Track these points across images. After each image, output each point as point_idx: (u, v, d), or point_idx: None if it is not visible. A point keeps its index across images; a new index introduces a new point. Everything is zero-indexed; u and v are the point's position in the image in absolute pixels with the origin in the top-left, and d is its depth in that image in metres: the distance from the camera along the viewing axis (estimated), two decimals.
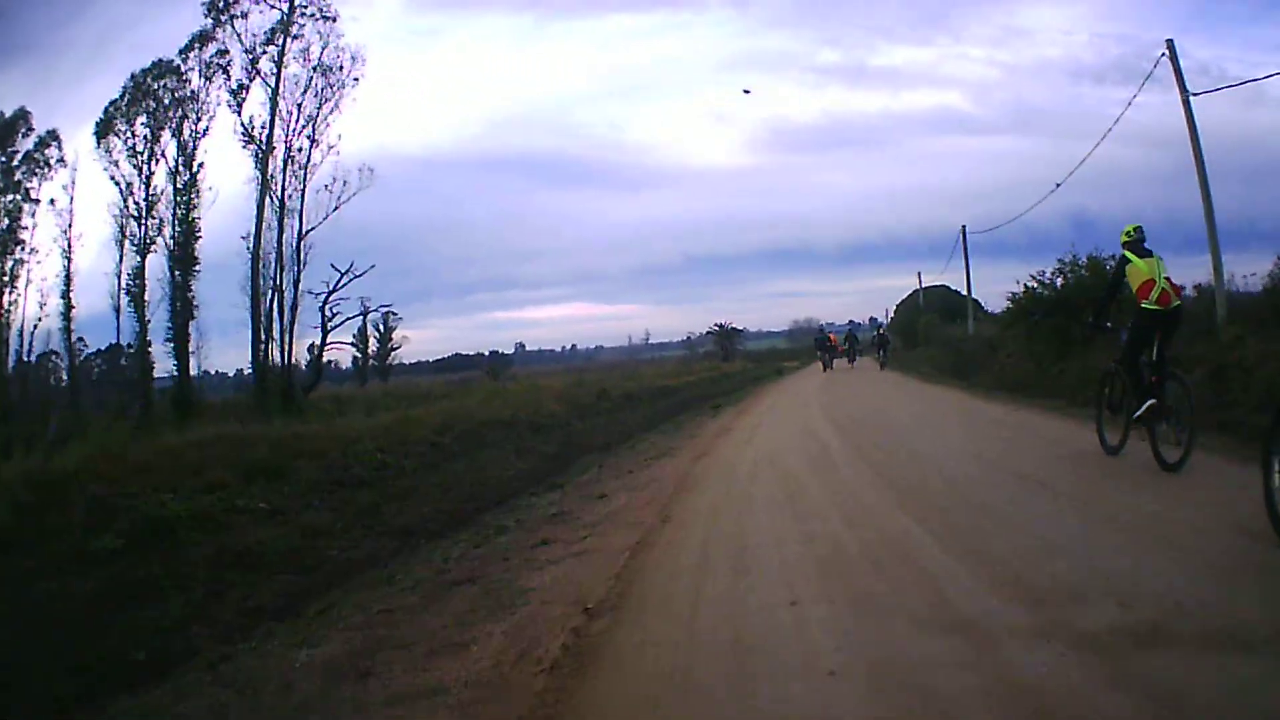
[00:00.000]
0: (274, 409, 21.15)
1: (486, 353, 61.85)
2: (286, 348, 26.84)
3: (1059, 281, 14.71)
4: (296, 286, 25.86)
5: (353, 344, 45.48)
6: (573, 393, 20.24)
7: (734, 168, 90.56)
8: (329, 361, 47.60)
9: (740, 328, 67.62)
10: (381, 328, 48.10)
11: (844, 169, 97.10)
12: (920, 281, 45.44)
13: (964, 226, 28.71)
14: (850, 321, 61.45)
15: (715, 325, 67.61)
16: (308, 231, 25.60)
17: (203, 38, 24.98)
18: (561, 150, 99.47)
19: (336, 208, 25.41)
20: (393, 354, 48.02)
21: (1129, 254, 6.44)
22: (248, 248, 25.63)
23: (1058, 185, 19.16)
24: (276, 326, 26.09)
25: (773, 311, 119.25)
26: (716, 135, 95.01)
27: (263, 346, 26.04)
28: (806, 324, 68.00)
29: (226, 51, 25.15)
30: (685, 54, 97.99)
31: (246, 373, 28.48)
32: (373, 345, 46.75)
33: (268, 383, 25.64)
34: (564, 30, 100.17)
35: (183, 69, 25.21)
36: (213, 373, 30.75)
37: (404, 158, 79.72)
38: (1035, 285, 15.12)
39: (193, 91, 25.23)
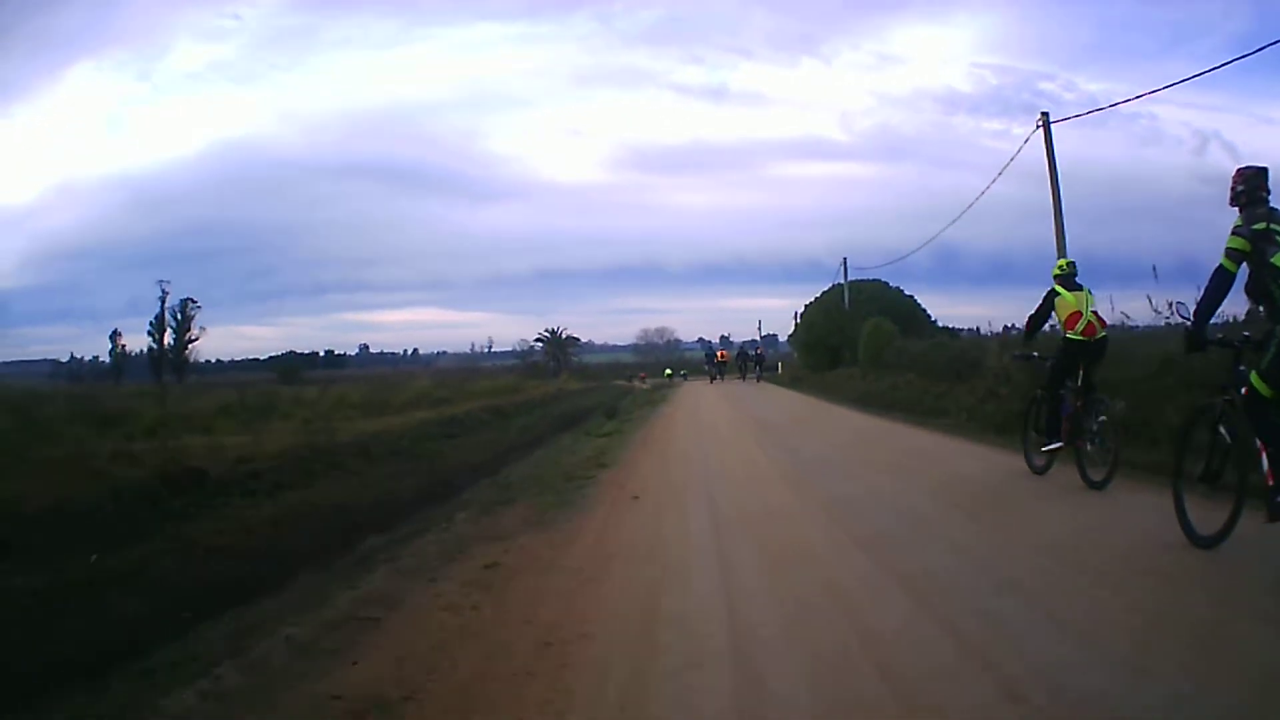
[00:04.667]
0: None
1: (322, 352, 60.91)
2: None
3: None
4: None
5: (149, 333, 40.30)
6: None
7: (587, 183, 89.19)
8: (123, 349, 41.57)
9: (578, 338, 61.36)
10: (179, 317, 42.22)
11: (700, 190, 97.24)
12: (845, 274, 31.84)
13: (1045, 113, 15.14)
14: (722, 337, 60.87)
15: (545, 331, 59.69)
16: None
17: None
18: (419, 158, 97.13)
19: None
20: (190, 347, 42.20)
21: (1058, 287, 6.56)
22: None
23: None
24: None
25: (619, 327, 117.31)
26: (572, 150, 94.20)
27: None
28: (657, 335, 64.50)
29: None
30: (546, 66, 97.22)
31: None
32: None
33: None
34: (428, 36, 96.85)
35: None
36: None
37: (269, 159, 79.46)
38: None
39: None
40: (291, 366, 48.83)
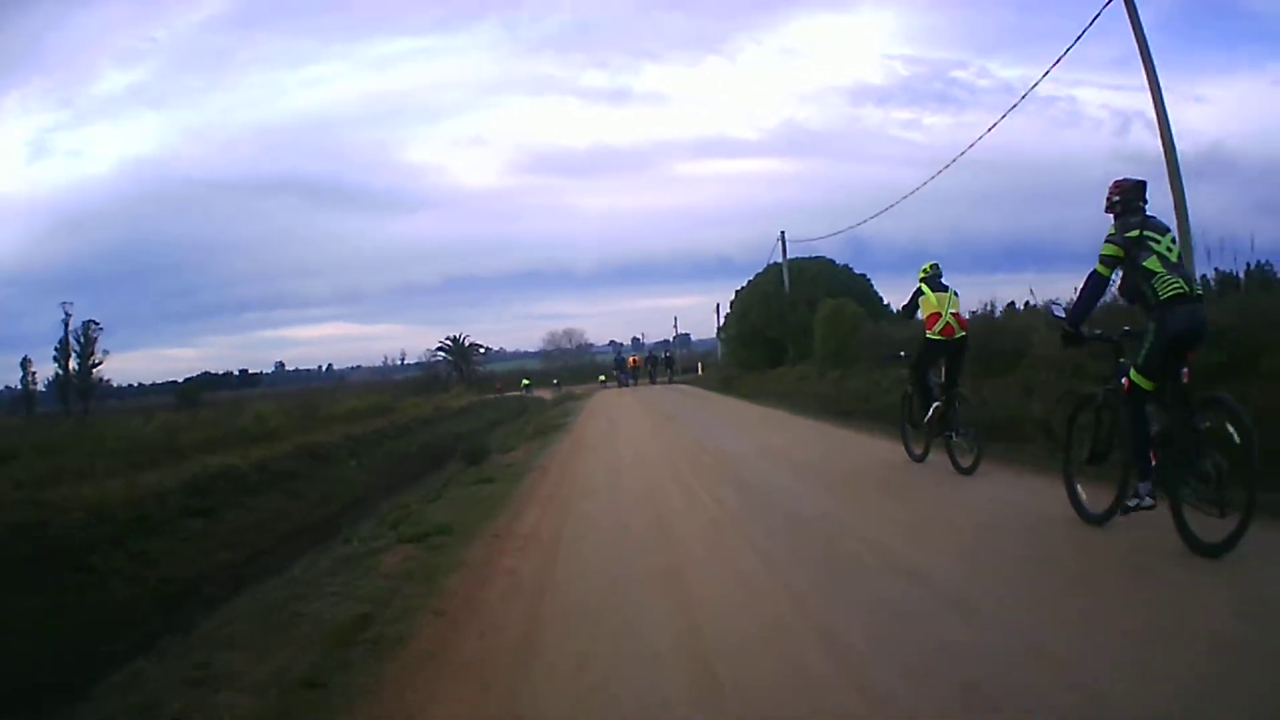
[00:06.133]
0: None
1: (236, 372, 60.19)
2: None
3: None
4: None
5: (55, 359, 37.19)
6: None
7: (494, 190, 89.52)
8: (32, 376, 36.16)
9: (482, 345, 57.07)
10: (81, 340, 38.30)
11: (609, 192, 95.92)
12: (784, 250, 26.31)
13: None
14: (634, 339, 58.88)
15: (447, 340, 55.07)
16: None
17: None
18: (332, 172, 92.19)
19: None
20: (95, 371, 38.87)
21: (924, 287, 6.88)
22: None
23: None
24: None
25: (530, 332, 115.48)
26: (480, 158, 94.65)
27: None
28: (566, 339, 62.87)
29: None
30: (455, 77, 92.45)
31: None
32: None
33: None
34: (343, 53, 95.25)
35: None
36: None
37: (183, 178, 77.96)
38: None
39: None
40: (192, 389, 46.19)
